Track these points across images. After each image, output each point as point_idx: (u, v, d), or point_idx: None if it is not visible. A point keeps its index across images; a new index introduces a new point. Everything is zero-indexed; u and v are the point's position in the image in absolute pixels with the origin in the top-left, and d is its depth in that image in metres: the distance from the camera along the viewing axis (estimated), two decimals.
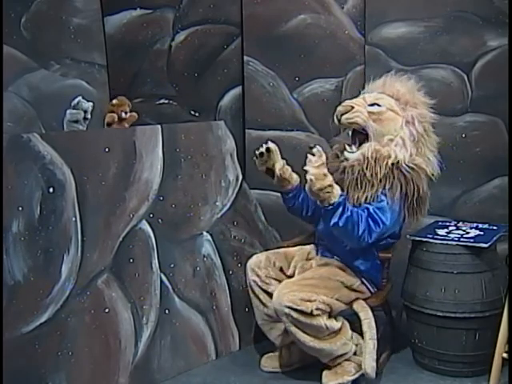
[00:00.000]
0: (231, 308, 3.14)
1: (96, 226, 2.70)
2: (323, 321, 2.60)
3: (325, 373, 2.74)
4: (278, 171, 2.87)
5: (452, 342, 2.76)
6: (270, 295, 2.78)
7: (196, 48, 3.89)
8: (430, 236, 2.86)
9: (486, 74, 3.30)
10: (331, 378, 2.71)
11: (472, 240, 2.77)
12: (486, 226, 3.02)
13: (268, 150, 2.85)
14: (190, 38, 3.90)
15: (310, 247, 3.02)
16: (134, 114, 3.61)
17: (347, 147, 2.78)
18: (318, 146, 2.54)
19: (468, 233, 2.90)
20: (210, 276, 3.09)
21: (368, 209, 2.62)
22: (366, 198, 2.66)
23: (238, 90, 3.82)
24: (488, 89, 3.30)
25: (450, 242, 2.77)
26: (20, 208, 2.49)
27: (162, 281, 2.90)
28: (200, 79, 3.91)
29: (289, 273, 2.89)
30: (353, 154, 2.75)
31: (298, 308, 2.55)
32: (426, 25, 3.36)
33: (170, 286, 2.93)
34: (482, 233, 2.90)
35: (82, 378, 2.59)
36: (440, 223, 3.12)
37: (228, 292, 3.14)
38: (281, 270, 2.90)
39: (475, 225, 3.05)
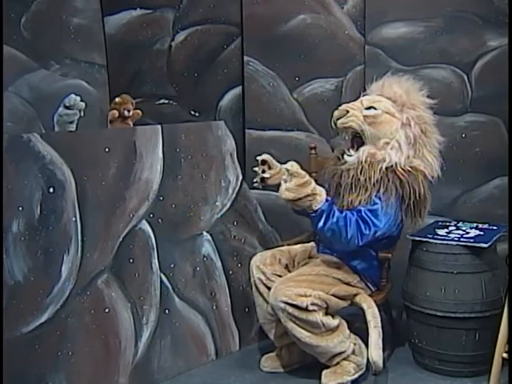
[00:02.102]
0: (231, 308, 3.14)
1: (96, 226, 2.70)
2: (319, 317, 2.60)
3: (324, 373, 2.74)
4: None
5: (452, 342, 2.76)
6: None
7: (196, 48, 3.89)
8: (430, 236, 2.86)
9: (486, 73, 3.30)
10: (331, 377, 2.70)
11: (472, 240, 2.77)
12: (486, 225, 3.02)
13: (263, 161, 2.92)
14: (189, 38, 3.90)
15: (311, 245, 3.03)
16: (138, 111, 3.61)
17: (346, 151, 2.82)
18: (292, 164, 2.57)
19: (468, 233, 2.90)
20: (209, 276, 3.09)
21: (360, 211, 2.63)
22: (360, 201, 2.66)
23: (238, 90, 3.82)
24: (488, 89, 3.30)
25: (449, 242, 2.77)
26: (20, 208, 2.49)
27: (162, 281, 2.90)
28: (200, 79, 3.91)
29: (293, 270, 2.89)
30: (351, 158, 2.77)
31: (293, 303, 2.56)
32: (425, 25, 3.36)
33: (170, 286, 2.93)
34: (481, 233, 2.90)
35: (82, 378, 2.59)
36: (440, 223, 3.12)
37: (228, 292, 3.14)
38: (286, 267, 2.91)
39: (475, 225, 3.05)
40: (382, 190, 2.65)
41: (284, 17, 3.62)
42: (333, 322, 2.65)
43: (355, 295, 2.76)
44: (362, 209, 2.63)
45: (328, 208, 2.58)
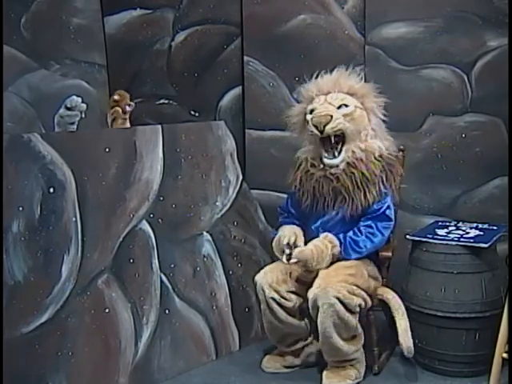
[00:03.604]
0: (231, 308, 3.14)
1: (96, 226, 2.70)
2: (355, 320, 2.64)
3: (326, 373, 2.74)
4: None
5: (452, 342, 2.76)
6: (287, 311, 2.77)
7: (196, 48, 3.89)
8: (430, 236, 2.85)
9: (486, 73, 3.30)
10: (333, 379, 2.70)
11: (472, 240, 2.77)
12: (485, 226, 3.02)
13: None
14: (189, 38, 3.90)
15: None
16: (132, 103, 3.61)
17: (325, 154, 2.79)
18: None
19: (468, 233, 2.90)
20: (210, 276, 3.09)
21: (378, 214, 2.74)
22: (374, 197, 2.72)
23: (237, 90, 3.82)
24: (488, 89, 3.30)
25: (449, 242, 2.77)
26: (20, 208, 2.49)
27: (162, 281, 2.90)
28: (200, 79, 3.91)
29: (312, 276, 2.77)
30: (336, 160, 2.77)
31: (345, 301, 2.57)
32: (426, 25, 3.36)
33: (170, 286, 2.93)
34: (481, 233, 2.90)
35: (82, 377, 2.59)
36: (440, 223, 3.12)
37: (228, 292, 3.14)
38: (297, 280, 2.81)
39: (475, 225, 3.05)
40: (384, 179, 2.75)
41: (284, 17, 3.62)
42: (359, 328, 2.70)
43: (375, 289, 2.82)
44: (381, 209, 2.74)
45: (344, 245, 2.71)
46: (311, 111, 2.80)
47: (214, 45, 3.85)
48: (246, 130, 3.76)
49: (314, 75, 2.91)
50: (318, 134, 2.75)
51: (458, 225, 3.07)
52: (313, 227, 2.88)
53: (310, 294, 2.61)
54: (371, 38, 3.46)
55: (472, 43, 3.30)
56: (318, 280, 2.64)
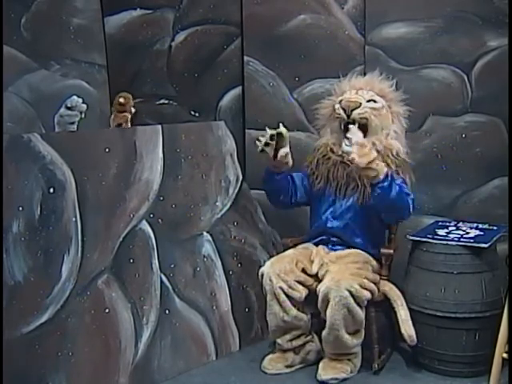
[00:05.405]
0: (231, 308, 3.14)
1: (96, 226, 2.70)
2: (363, 314, 2.70)
3: (322, 365, 2.77)
4: (281, 155, 2.91)
5: (452, 342, 2.76)
6: (293, 303, 2.79)
7: (196, 48, 3.89)
8: (430, 236, 2.86)
9: (486, 74, 3.29)
10: (329, 371, 2.74)
11: (472, 240, 2.77)
12: (486, 226, 3.03)
13: (280, 134, 2.87)
14: (189, 38, 3.90)
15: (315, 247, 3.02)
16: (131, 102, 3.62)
17: (347, 141, 2.83)
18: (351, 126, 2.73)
19: (468, 233, 2.90)
20: (210, 276, 3.09)
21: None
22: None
23: (237, 90, 3.82)
24: (488, 89, 3.29)
25: (449, 242, 2.78)
26: (20, 208, 2.49)
27: (162, 281, 2.90)
28: (200, 79, 3.91)
29: (313, 271, 2.84)
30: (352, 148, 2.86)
31: (356, 295, 2.63)
32: (426, 25, 3.35)
33: (170, 287, 2.93)
34: (482, 233, 2.90)
35: (82, 377, 2.59)
36: (440, 223, 3.12)
37: (228, 292, 3.14)
38: (303, 270, 2.84)
39: (475, 225, 3.05)
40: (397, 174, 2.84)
41: (284, 17, 3.62)
42: (364, 322, 2.74)
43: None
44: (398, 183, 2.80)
45: (390, 173, 2.71)
46: (340, 101, 2.95)
47: (214, 45, 3.85)
48: (246, 130, 3.76)
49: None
50: (345, 117, 2.88)
51: (458, 225, 3.07)
52: (322, 216, 2.97)
53: (322, 286, 2.68)
54: (371, 38, 3.45)
55: (472, 43, 3.30)
56: (329, 274, 2.72)
